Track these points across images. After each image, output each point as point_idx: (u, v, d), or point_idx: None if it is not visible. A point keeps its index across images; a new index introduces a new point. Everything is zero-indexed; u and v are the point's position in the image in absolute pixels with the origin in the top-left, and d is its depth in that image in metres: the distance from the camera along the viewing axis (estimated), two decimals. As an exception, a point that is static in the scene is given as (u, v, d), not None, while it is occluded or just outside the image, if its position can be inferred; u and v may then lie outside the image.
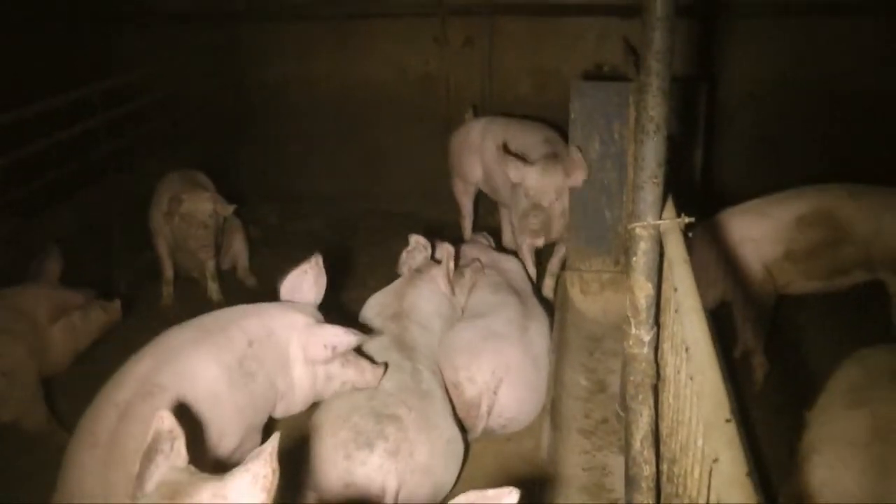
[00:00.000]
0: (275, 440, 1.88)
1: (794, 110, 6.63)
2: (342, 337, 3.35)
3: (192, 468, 1.99)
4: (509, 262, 4.93)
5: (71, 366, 4.31)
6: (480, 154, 5.82)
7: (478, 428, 3.90)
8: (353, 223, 7.07)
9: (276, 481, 1.85)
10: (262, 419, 3.34)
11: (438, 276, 4.39)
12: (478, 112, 6.44)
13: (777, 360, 4.66)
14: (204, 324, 3.30)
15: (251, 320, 3.32)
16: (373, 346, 3.84)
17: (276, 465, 1.85)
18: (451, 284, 4.41)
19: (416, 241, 4.62)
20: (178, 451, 2.01)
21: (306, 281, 3.59)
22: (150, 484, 1.94)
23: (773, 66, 6.65)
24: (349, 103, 7.40)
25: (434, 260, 4.54)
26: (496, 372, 3.93)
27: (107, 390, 3.00)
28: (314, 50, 7.36)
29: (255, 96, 7.49)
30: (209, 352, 3.15)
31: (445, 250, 4.46)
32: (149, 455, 1.98)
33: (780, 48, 6.62)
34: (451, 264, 4.42)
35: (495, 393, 3.91)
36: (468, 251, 4.99)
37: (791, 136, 6.67)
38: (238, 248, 5.96)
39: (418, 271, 4.43)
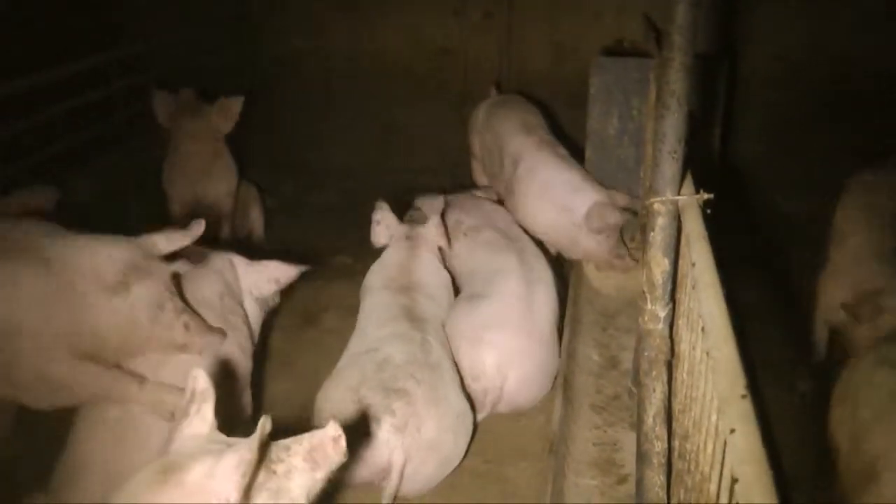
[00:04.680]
0: (264, 425, 1.85)
1: (815, 89, 6.57)
2: (286, 270, 3.66)
3: (216, 434, 1.95)
4: (499, 213, 4.85)
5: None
6: (481, 135, 5.67)
7: (482, 415, 3.86)
8: (368, 196, 7.04)
9: (251, 469, 1.82)
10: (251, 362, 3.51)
11: (432, 237, 4.36)
12: (501, 89, 6.29)
13: (790, 339, 4.64)
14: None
15: (211, 277, 3.48)
16: (383, 316, 3.84)
17: (256, 454, 1.82)
18: (449, 239, 4.39)
19: (380, 215, 4.50)
20: (204, 414, 1.96)
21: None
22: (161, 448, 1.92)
23: (796, 45, 6.59)
24: (365, 76, 7.36)
25: (416, 219, 4.51)
26: (501, 368, 3.85)
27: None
28: (330, 21, 7.31)
29: (269, 67, 7.46)
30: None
31: (434, 207, 4.45)
32: (184, 415, 1.95)
33: (804, 27, 6.55)
34: (440, 224, 4.41)
35: (501, 388, 3.86)
36: (460, 203, 4.89)
37: (810, 114, 6.61)
38: (254, 217, 5.97)
39: (411, 239, 4.36)
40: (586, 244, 4.65)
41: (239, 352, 3.37)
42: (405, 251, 4.31)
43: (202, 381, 1.98)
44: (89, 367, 2.87)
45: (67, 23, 6.62)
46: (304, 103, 7.48)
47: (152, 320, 2.97)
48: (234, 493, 1.79)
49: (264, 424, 1.82)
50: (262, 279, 3.65)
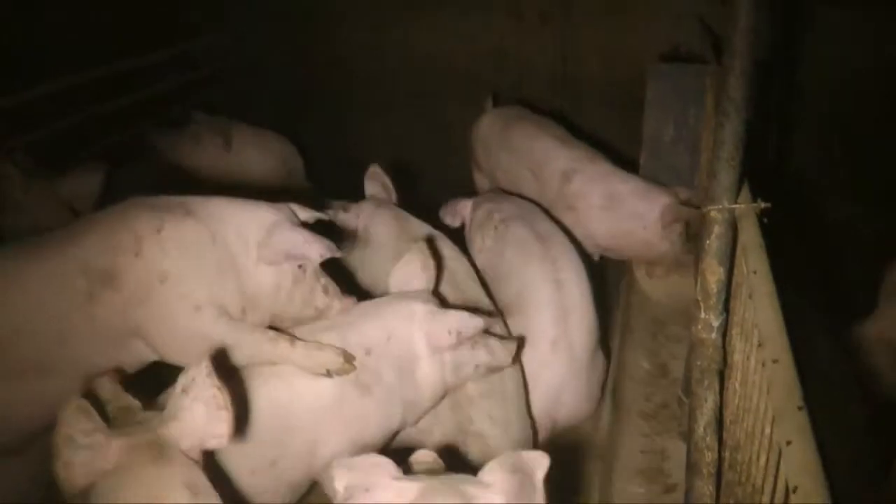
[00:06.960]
0: (205, 361, 1.92)
1: (875, 98, 6.44)
2: (468, 321, 3.11)
3: (99, 419, 1.98)
4: (525, 202, 4.68)
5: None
6: (486, 148, 5.58)
7: None
8: (421, 194, 7.07)
9: (226, 397, 1.89)
10: (378, 437, 3.12)
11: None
12: (497, 101, 6.07)
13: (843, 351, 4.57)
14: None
15: (369, 324, 3.12)
16: None
17: (217, 383, 1.89)
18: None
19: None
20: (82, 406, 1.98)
21: (413, 269, 3.37)
22: (113, 455, 1.91)
23: (856, 52, 6.47)
24: (419, 75, 7.36)
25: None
26: (551, 413, 3.68)
27: None
28: (385, 19, 7.34)
29: (324, 63, 7.51)
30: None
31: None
32: (70, 442, 1.92)
33: (864, 34, 6.42)
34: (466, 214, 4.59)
35: (551, 426, 3.74)
36: (489, 196, 4.85)
37: (869, 123, 6.48)
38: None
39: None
40: (661, 246, 4.57)
41: (336, 433, 3.01)
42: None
43: (75, 402, 1.99)
44: (243, 326, 2.93)
45: (126, 19, 6.74)
46: (358, 99, 7.52)
47: (295, 281, 3.04)
48: (224, 426, 1.88)
49: (205, 363, 2.00)
50: (441, 330, 3.10)
